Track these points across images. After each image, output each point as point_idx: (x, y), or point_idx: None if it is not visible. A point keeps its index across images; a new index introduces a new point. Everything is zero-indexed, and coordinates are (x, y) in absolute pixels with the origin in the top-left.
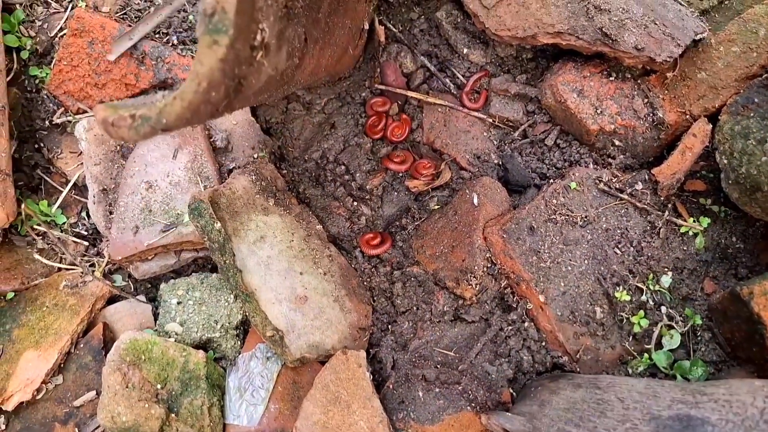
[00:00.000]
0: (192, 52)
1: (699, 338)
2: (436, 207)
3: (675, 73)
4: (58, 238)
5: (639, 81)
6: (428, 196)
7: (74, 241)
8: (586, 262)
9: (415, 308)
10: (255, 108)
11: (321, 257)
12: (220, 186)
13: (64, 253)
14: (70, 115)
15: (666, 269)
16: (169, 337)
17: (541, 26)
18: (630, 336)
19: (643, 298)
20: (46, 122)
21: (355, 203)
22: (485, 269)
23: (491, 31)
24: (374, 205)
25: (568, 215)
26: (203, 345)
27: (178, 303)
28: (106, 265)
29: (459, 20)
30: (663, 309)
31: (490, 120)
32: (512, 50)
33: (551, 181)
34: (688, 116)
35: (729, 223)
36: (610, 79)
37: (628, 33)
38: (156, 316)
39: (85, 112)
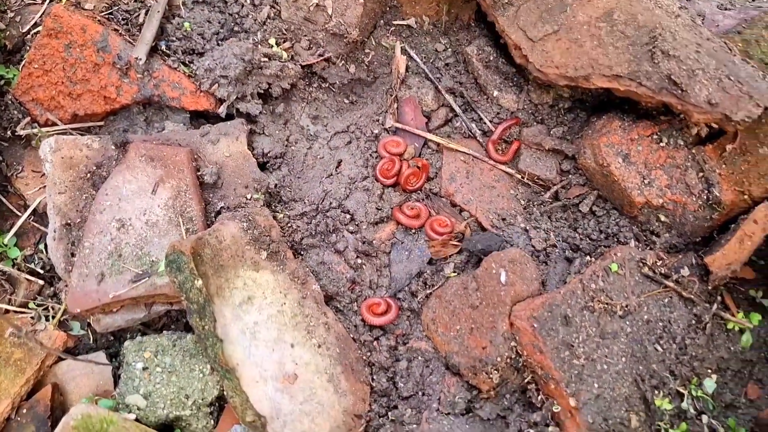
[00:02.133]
0: (186, 66)
1: None
2: (453, 274)
3: (735, 145)
4: (7, 274)
5: (694, 151)
6: (444, 260)
7: (27, 279)
8: (623, 359)
9: (420, 393)
10: (250, 138)
11: (316, 325)
12: (205, 233)
13: (13, 293)
14: (36, 127)
15: (709, 370)
16: (130, 412)
17: (596, 67)
18: None
19: (684, 405)
20: (8, 132)
21: (359, 260)
22: (509, 360)
23: (535, 66)
24: (380, 263)
25: (607, 303)
26: (170, 424)
27: (144, 369)
28: (63, 314)
29: (492, 58)
30: (704, 418)
31: (519, 176)
32: (548, 97)
33: (587, 258)
34: (746, 196)
35: None
36: (661, 144)
37: (699, 85)
38: (117, 377)
39: (54, 124)
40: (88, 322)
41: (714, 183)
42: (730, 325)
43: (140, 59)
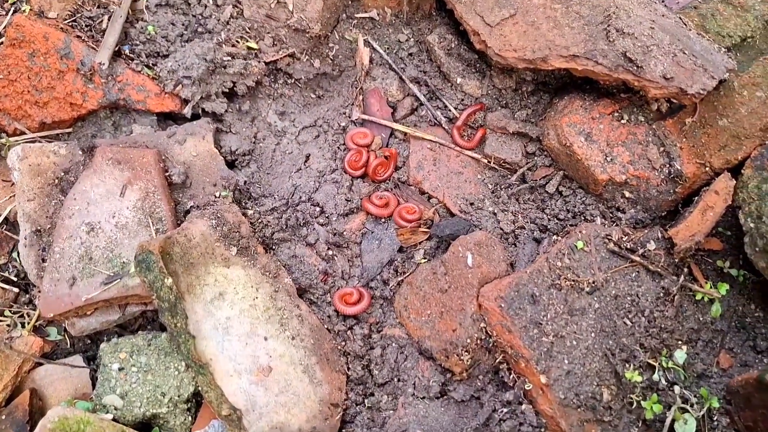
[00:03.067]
0: (149, 68)
1: (716, 423)
2: (423, 260)
3: (694, 118)
4: None
5: (654, 126)
6: (415, 247)
7: (2, 287)
8: (593, 335)
9: (395, 379)
10: (218, 137)
11: (289, 317)
12: (174, 232)
13: None
14: (4, 137)
15: (680, 342)
16: (107, 412)
17: (553, 48)
18: (640, 421)
19: (655, 377)
20: None
21: (330, 251)
22: (479, 341)
23: (494, 51)
24: (352, 253)
25: (574, 280)
26: (147, 422)
27: (120, 369)
28: (37, 320)
29: (453, 45)
30: (677, 389)
31: (485, 161)
32: (511, 81)
33: (554, 237)
34: (707, 168)
35: (748, 288)
36: (622, 122)
37: (655, 60)
38: (94, 380)
39: (23, 133)
40: (64, 326)
41: (675, 157)
42: (699, 296)
43: (103, 64)
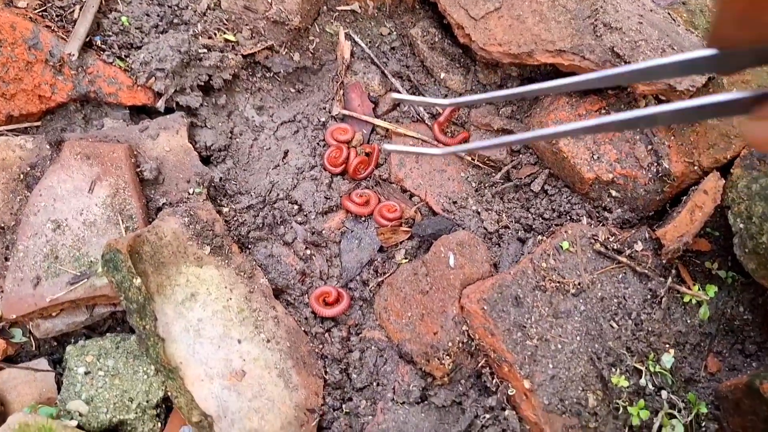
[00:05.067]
0: (122, 60)
1: (704, 429)
2: (404, 261)
3: None
4: None
5: None
6: (395, 247)
7: None
8: (578, 338)
9: (374, 383)
10: (193, 132)
11: (265, 319)
12: (143, 230)
13: None
14: None
15: (667, 345)
16: (72, 419)
17: (539, 43)
18: (626, 427)
19: (642, 381)
20: None
21: (308, 251)
22: (461, 345)
23: (478, 45)
24: (330, 253)
25: (559, 282)
26: (114, 428)
27: (86, 373)
28: (0, 321)
29: (437, 39)
30: (664, 394)
31: (469, 158)
32: (496, 77)
33: (539, 237)
34: (696, 167)
35: (736, 290)
36: None
37: (642, 56)
38: (60, 384)
39: None
40: (29, 328)
41: (663, 155)
42: (686, 299)
43: (73, 55)
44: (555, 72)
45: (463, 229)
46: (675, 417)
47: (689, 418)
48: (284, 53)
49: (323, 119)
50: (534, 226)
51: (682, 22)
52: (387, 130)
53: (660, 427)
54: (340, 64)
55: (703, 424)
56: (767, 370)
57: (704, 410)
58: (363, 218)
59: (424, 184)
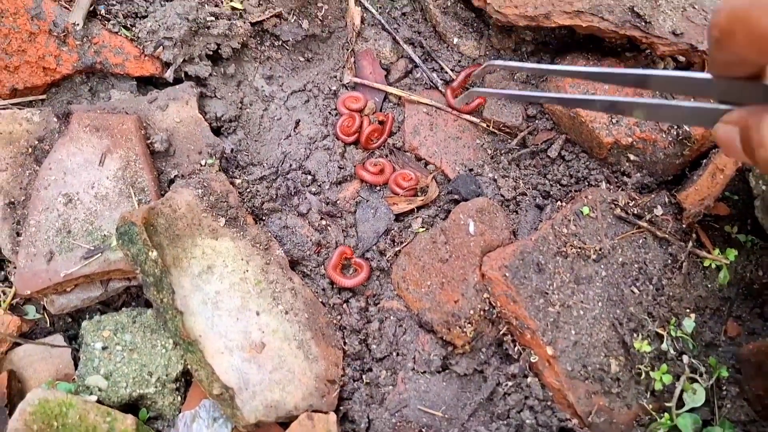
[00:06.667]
0: (128, 29)
1: (725, 393)
2: (422, 230)
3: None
4: None
5: None
6: (412, 215)
7: None
8: (600, 304)
9: (394, 353)
10: (202, 103)
11: (282, 291)
12: (157, 202)
13: None
14: None
15: (688, 310)
16: (91, 394)
17: (556, 4)
18: (648, 392)
19: (664, 346)
20: None
21: (324, 221)
22: (482, 313)
23: (493, 7)
24: (346, 223)
25: (580, 247)
26: (134, 403)
27: (104, 348)
28: (14, 298)
29: (450, 3)
30: (685, 359)
31: (484, 125)
32: (510, 42)
33: (558, 203)
34: None
35: (756, 254)
36: None
37: (663, 15)
38: (77, 360)
39: None
40: (43, 304)
41: None
42: (706, 263)
43: (77, 25)
44: (570, 35)
45: (480, 196)
46: (696, 381)
47: (710, 382)
48: (293, 21)
49: (334, 88)
50: (552, 193)
51: None
52: (399, 97)
53: (682, 391)
54: (350, 31)
55: (724, 388)
56: None
57: (725, 374)
58: (378, 187)
59: (439, 151)
